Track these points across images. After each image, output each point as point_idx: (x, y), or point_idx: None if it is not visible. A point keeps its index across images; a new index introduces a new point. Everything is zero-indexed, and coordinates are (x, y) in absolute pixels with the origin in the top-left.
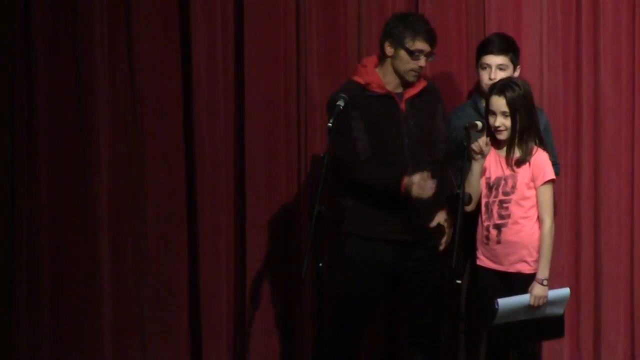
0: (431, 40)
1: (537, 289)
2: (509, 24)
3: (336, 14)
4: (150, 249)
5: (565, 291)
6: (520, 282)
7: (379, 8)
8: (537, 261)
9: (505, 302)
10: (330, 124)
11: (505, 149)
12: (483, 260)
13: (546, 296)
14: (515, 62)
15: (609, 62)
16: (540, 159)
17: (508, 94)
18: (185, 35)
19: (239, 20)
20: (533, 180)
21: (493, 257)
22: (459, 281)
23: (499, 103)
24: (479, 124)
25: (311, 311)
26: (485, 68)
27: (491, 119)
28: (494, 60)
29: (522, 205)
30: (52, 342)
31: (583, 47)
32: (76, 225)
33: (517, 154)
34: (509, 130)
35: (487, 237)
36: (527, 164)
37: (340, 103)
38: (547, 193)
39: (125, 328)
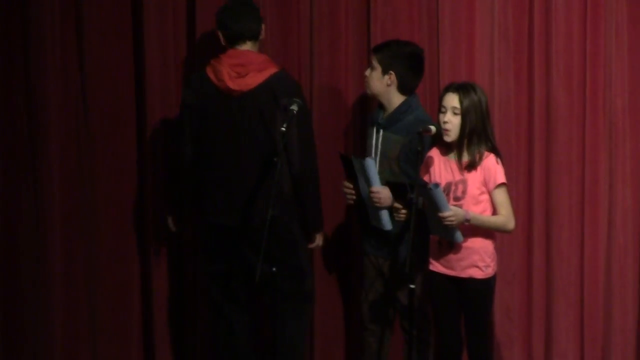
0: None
1: (460, 214)
2: (462, 28)
3: (289, 16)
4: (101, 255)
5: (458, 236)
6: (473, 287)
7: (330, 10)
8: (489, 266)
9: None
10: (283, 129)
11: (454, 153)
12: (435, 266)
13: (456, 225)
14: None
15: (560, 67)
16: (491, 163)
17: (461, 93)
18: (138, 42)
19: (191, 25)
20: (485, 184)
21: (445, 262)
22: (412, 285)
23: (451, 99)
24: (433, 128)
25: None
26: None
27: (441, 116)
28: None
29: (473, 210)
30: (3, 347)
31: (535, 53)
32: (27, 232)
33: (466, 158)
34: (457, 131)
35: (440, 242)
36: (477, 168)
37: (294, 108)
38: (501, 195)
39: (76, 333)
